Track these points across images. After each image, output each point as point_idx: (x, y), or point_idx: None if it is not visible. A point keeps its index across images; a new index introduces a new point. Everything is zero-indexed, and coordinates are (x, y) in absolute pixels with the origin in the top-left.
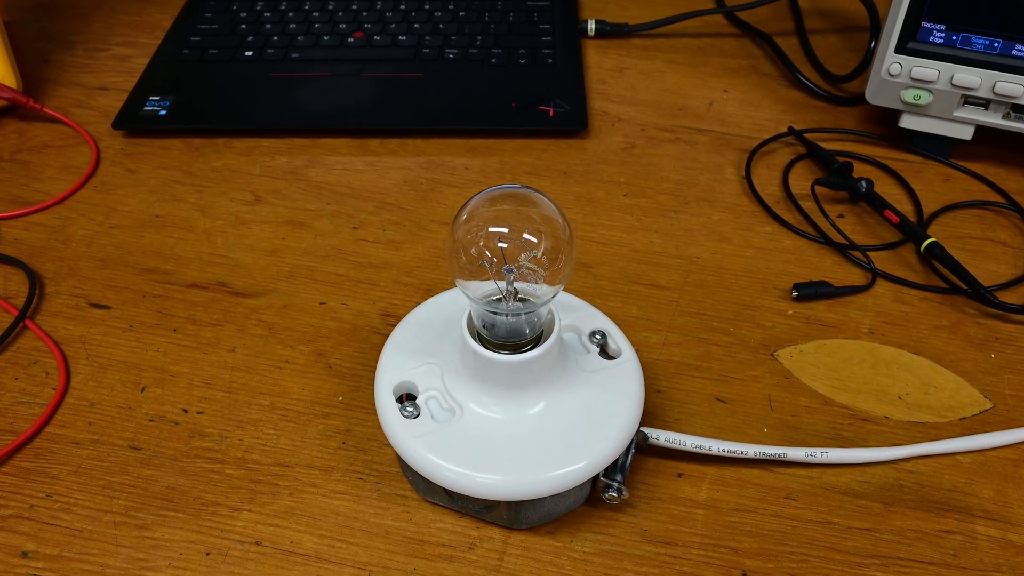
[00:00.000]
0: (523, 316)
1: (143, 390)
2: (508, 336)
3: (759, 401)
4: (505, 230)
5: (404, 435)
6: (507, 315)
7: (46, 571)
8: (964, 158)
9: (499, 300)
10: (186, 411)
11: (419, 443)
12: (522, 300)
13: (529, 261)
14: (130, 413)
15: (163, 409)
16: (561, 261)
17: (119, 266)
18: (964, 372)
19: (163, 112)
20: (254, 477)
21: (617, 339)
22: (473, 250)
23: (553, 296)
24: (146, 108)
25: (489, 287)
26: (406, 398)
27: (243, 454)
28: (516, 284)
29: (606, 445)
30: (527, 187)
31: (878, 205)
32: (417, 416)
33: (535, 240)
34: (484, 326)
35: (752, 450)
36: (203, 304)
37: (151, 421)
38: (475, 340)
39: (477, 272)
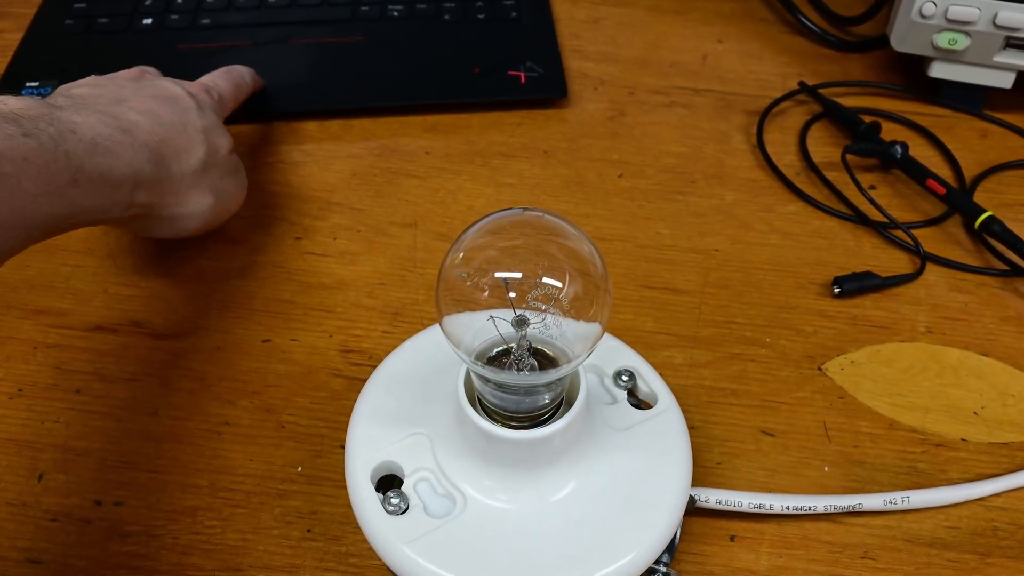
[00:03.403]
0: (542, 387)
1: (41, 478)
2: (519, 404)
3: (813, 431)
4: (518, 275)
5: (392, 540)
6: (520, 391)
7: None
8: (998, 109)
9: (507, 363)
10: (99, 503)
11: (412, 550)
12: (539, 359)
13: (550, 308)
14: (25, 512)
15: (69, 503)
16: (593, 310)
17: None
18: None
19: None
20: None
21: (649, 380)
22: (472, 297)
23: (586, 357)
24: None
25: (492, 341)
26: (388, 483)
27: (179, 558)
28: (532, 339)
29: (655, 529)
30: (538, 210)
31: (918, 173)
32: (405, 510)
33: (559, 284)
34: (488, 391)
35: (822, 504)
36: (113, 353)
37: (54, 521)
38: (477, 410)
39: (477, 332)
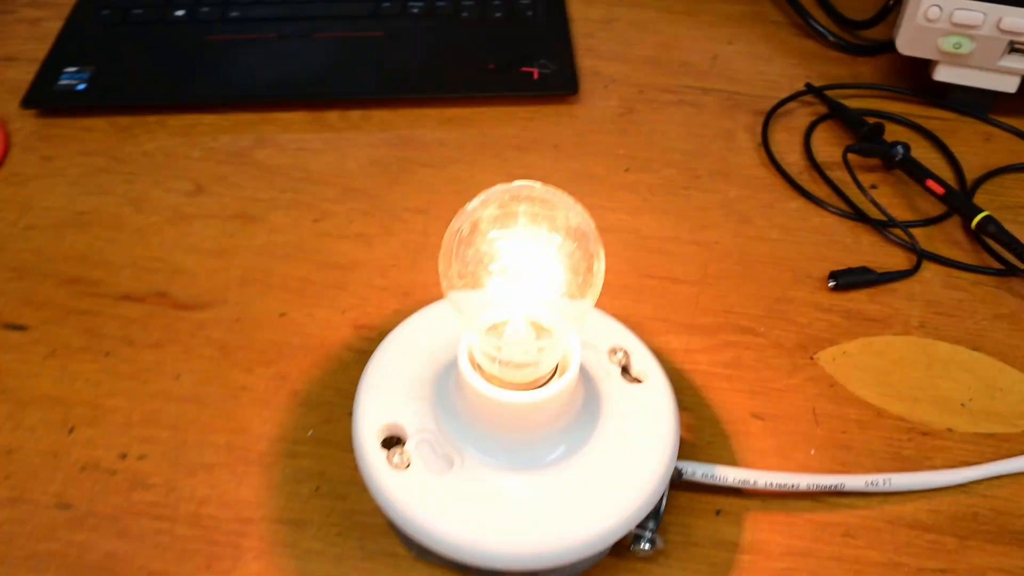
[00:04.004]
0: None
1: (71, 431)
2: (518, 369)
3: (802, 416)
4: (516, 242)
5: (394, 493)
6: (519, 351)
7: None
8: (1003, 113)
9: (506, 332)
10: (125, 456)
11: (413, 503)
12: (537, 328)
13: (548, 281)
14: (57, 461)
15: (96, 455)
16: (588, 278)
17: (37, 276)
18: None
19: (82, 86)
20: (211, 537)
21: (641, 357)
22: (475, 267)
23: (578, 326)
24: (62, 81)
25: (495, 312)
26: (392, 444)
27: (196, 508)
28: (530, 310)
29: (640, 494)
30: (538, 184)
31: (918, 174)
32: (408, 467)
33: (555, 258)
34: (488, 357)
35: (804, 481)
36: (140, 320)
37: (83, 471)
38: (476, 374)
39: (480, 299)
